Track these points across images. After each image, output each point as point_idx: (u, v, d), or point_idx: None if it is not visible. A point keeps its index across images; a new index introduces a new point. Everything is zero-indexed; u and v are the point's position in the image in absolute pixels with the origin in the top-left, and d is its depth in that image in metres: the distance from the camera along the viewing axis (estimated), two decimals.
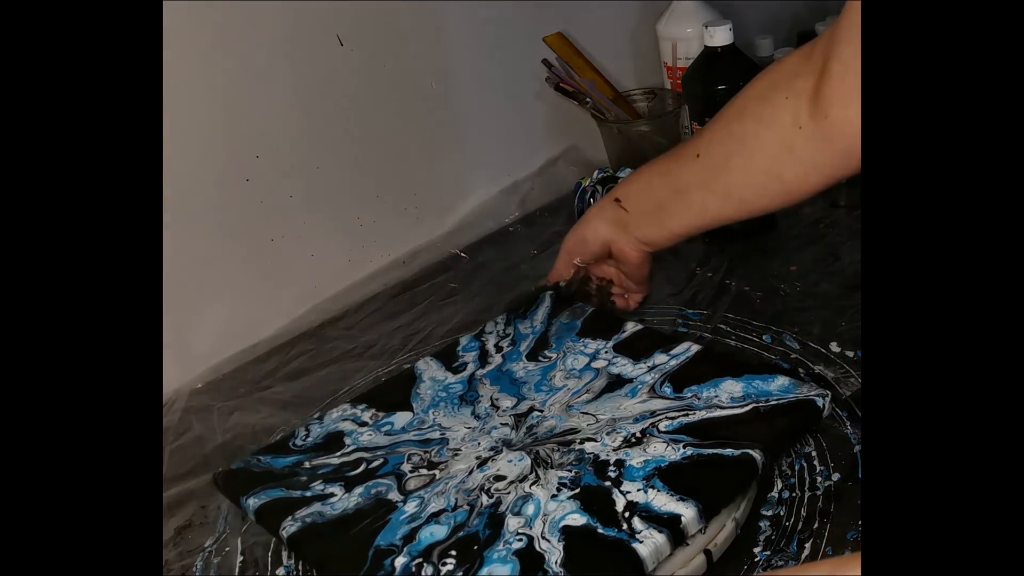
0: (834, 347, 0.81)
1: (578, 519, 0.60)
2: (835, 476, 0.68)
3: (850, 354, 0.80)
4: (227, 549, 0.71)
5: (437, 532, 0.62)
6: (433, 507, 0.64)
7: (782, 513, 0.65)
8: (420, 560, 0.60)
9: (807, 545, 0.62)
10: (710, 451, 0.63)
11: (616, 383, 0.73)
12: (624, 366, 0.75)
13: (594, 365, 0.76)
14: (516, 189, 1.20)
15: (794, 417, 0.67)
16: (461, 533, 0.61)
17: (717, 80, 0.97)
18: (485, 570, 0.58)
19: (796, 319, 0.86)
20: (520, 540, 0.59)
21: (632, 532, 0.58)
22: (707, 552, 0.61)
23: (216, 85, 0.91)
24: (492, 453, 0.68)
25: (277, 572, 0.68)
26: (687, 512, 0.59)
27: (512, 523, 0.61)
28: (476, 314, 0.97)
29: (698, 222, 0.78)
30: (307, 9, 0.96)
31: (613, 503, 0.61)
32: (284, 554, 0.69)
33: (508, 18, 1.14)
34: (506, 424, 0.71)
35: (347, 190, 1.04)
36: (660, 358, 0.75)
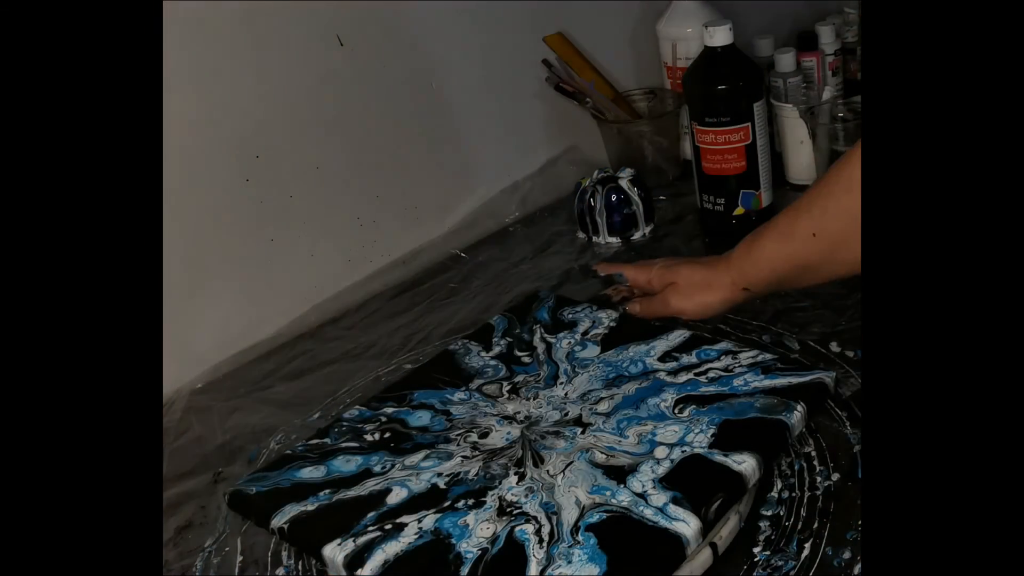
0: (834, 347, 0.81)
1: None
2: (835, 476, 0.68)
3: (850, 354, 0.80)
4: (227, 549, 0.71)
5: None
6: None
7: (782, 513, 0.65)
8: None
9: (807, 545, 0.62)
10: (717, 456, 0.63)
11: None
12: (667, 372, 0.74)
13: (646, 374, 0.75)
14: (516, 189, 1.20)
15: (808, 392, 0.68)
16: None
17: (717, 80, 0.97)
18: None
19: (796, 319, 0.86)
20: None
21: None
22: (712, 545, 0.61)
23: (216, 85, 0.91)
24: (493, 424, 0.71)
25: (277, 572, 0.68)
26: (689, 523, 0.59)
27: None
28: (476, 314, 0.97)
29: (822, 284, 0.80)
30: (307, 9, 0.96)
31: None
32: (284, 554, 0.69)
33: (508, 18, 1.14)
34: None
35: (347, 190, 1.04)
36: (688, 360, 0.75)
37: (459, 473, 0.66)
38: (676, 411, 0.68)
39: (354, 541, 0.61)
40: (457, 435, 0.70)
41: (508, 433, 0.69)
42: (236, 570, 0.69)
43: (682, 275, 0.84)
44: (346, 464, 0.68)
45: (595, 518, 0.59)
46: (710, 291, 0.82)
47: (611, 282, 0.90)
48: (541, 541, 0.59)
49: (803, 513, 0.65)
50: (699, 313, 0.83)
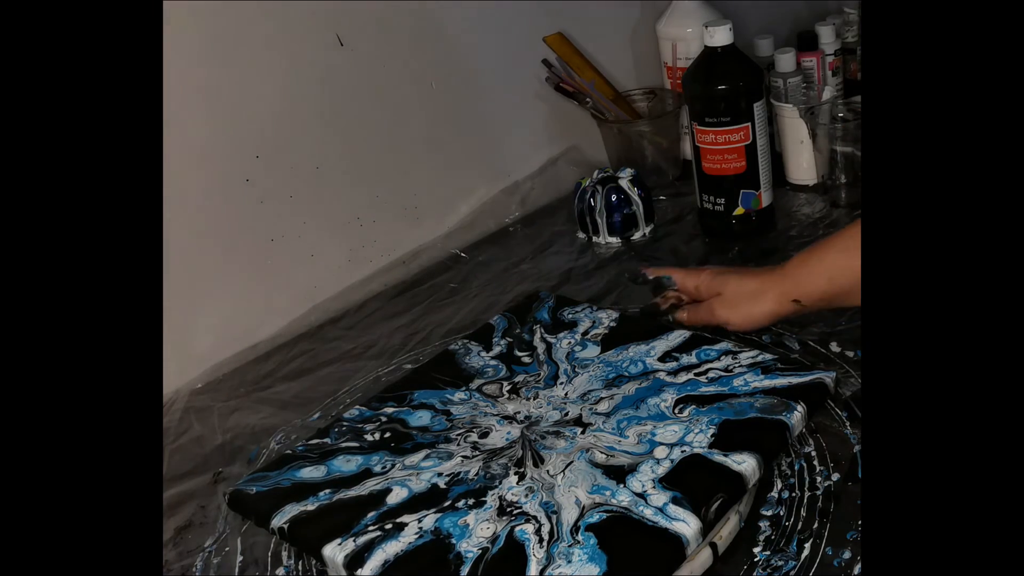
0: (834, 347, 0.81)
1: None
2: (835, 476, 0.68)
3: (850, 354, 0.80)
4: (227, 549, 0.71)
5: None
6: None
7: (782, 513, 0.65)
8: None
9: (807, 545, 0.62)
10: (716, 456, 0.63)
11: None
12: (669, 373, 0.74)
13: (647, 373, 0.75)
14: (516, 189, 1.20)
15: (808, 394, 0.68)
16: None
17: (717, 80, 0.97)
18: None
19: (796, 319, 0.85)
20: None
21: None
22: (712, 545, 0.61)
23: (216, 85, 0.91)
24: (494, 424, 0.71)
25: (277, 572, 0.68)
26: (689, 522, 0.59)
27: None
28: (476, 314, 0.97)
29: None
30: (307, 9, 0.96)
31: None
32: (284, 554, 0.69)
33: (508, 18, 1.14)
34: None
35: (347, 190, 1.04)
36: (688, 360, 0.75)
37: (459, 473, 0.66)
38: (676, 411, 0.68)
39: (354, 541, 0.61)
40: (457, 435, 0.70)
41: (508, 433, 0.69)
42: (236, 570, 0.69)
43: (730, 285, 0.82)
44: (346, 464, 0.68)
45: (595, 518, 0.59)
46: (757, 302, 0.80)
47: (659, 287, 0.87)
48: (541, 541, 0.59)
49: (803, 513, 0.65)
50: (745, 324, 0.81)
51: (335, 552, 0.60)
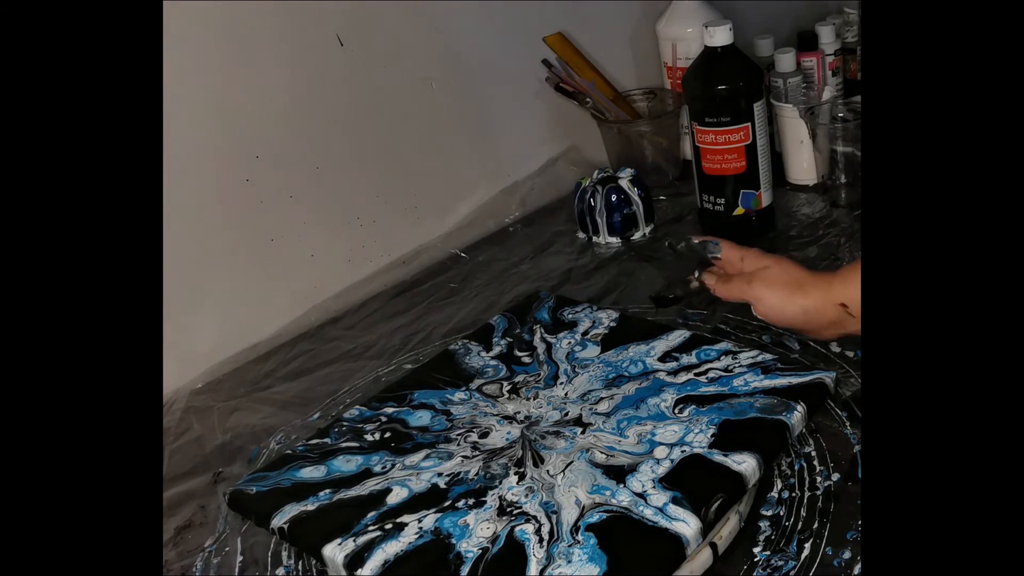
0: (834, 347, 0.81)
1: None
2: (835, 476, 0.68)
3: (850, 354, 0.80)
4: (227, 549, 0.71)
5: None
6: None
7: (782, 513, 0.65)
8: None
9: (807, 545, 0.62)
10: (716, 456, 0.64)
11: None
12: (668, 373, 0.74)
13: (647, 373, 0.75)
14: (516, 189, 1.20)
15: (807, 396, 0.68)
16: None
17: (717, 80, 0.97)
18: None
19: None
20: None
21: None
22: (712, 545, 0.61)
23: (216, 85, 0.91)
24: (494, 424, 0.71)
25: (277, 572, 0.68)
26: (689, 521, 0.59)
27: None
28: (476, 314, 0.97)
29: None
30: (306, 9, 0.96)
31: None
32: (284, 554, 0.69)
33: (508, 18, 1.14)
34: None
35: (347, 190, 1.04)
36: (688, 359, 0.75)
37: (459, 473, 0.66)
38: (676, 411, 0.68)
39: (354, 541, 0.61)
40: (457, 435, 0.70)
41: (508, 433, 0.69)
42: (236, 570, 0.69)
43: (780, 264, 0.76)
44: (346, 464, 0.68)
45: (595, 518, 0.59)
46: (800, 291, 0.73)
47: (701, 257, 0.82)
48: (541, 541, 0.59)
49: (803, 513, 0.65)
50: (777, 308, 0.75)
51: (335, 552, 0.60)
